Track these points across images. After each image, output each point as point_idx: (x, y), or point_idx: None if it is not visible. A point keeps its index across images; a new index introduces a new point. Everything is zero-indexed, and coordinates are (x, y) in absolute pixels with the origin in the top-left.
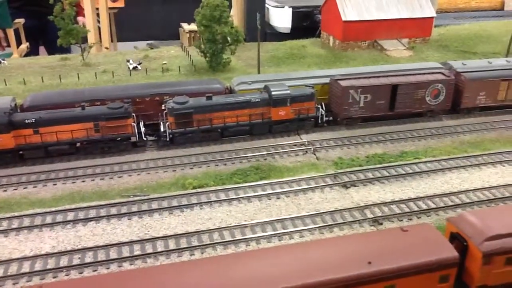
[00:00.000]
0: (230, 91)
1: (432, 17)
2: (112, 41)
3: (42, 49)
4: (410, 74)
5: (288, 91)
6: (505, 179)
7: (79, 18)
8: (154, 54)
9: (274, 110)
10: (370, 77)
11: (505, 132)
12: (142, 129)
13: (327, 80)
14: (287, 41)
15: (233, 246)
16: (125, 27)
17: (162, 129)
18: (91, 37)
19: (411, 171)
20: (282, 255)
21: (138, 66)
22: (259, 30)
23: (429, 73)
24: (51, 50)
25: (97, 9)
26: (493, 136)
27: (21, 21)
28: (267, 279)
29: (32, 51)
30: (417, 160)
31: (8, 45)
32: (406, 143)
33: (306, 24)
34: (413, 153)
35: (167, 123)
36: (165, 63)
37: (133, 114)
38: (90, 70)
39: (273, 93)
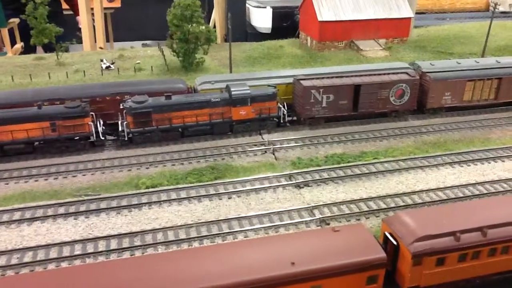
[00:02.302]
0: (194, 90)
1: (410, 18)
2: (108, 41)
3: (39, 48)
4: (374, 74)
5: (249, 91)
6: (461, 179)
7: (78, 18)
8: (129, 54)
9: (234, 109)
10: (333, 77)
11: (468, 133)
12: (100, 128)
13: (291, 80)
14: (266, 41)
15: (175, 246)
16: (122, 27)
17: (120, 129)
18: (86, 37)
19: (367, 171)
20: (205, 255)
21: (111, 66)
22: (230, 30)
23: (393, 73)
24: (49, 51)
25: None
26: (456, 137)
27: (15, 20)
28: (185, 279)
29: (29, 51)
30: (375, 160)
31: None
32: (367, 143)
33: (286, 24)
34: (373, 153)
35: (125, 122)
36: (139, 63)
37: (92, 113)
38: (63, 70)
39: (233, 92)
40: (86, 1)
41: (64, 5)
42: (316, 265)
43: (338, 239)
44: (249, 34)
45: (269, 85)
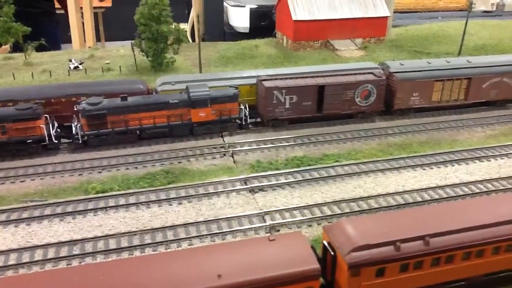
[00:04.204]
0: (155, 92)
1: (386, 17)
2: (100, 40)
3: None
4: (339, 75)
5: (208, 92)
6: (421, 183)
7: None
8: (101, 54)
9: (193, 111)
10: (296, 78)
11: (436, 134)
12: (52, 131)
13: (255, 80)
14: (242, 41)
15: (114, 256)
16: (114, 26)
17: (74, 131)
18: (75, 36)
19: (325, 175)
20: (123, 268)
21: (80, 66)
22: (199, 30)
23: (359, 74)
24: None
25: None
26: (423, 139)
27: None
28: None
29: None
30: (336, 164)
31: None
32: (330, 145)
33: (264, 24)
34: (335, 156)
35: (78, 124)
36: (108, 63)
37: (46, 115)
38: (30, 70)
39: (191, 94)
40: (75, 0)
41: (57, 4)
42: (245, 277)
43: (272, 249)
44: (227, 33)
45: (230, 86)
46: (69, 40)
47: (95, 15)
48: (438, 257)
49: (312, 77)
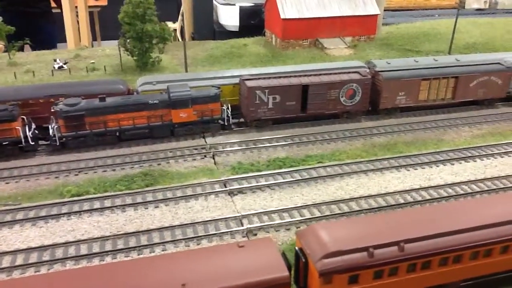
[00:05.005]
0: (137, 92)
1: (376, 15)
2: (96, 39)
3: (27, 47)
4: (324, 74)
5: (189, 92)
6: (405, 184)
7: None
8: (86, 53)
9: (174, 112)
10: (280, 77)
11: (422, 134)
12: (29, 133)
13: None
14: (230, 40)
15: (85, 262)
16: (110, 25)
17: (51, 133)
18: (70, 35)
19: (307, 177)
20: (83, 277)
21: (64, 66)
22: (183, 29)
23: (344, 73)
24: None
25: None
26: (408, 139)
27: None
28: None
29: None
30: (319, 165)
31: None
32: (313, 146)
33: (254, 22)
34: (318, 157)
35: (56, 126)
36: (93, 62)
37: (22, 117)
38: (13, 70)
39: (171, 94)
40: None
41: (53, 4)
42: (210, 286)
43: (241, 256)
44: (217, 32)
45: (213, 86)
46: (66, 40)
47: (91, 14)
48: (414, 263)
49: (296, 76)
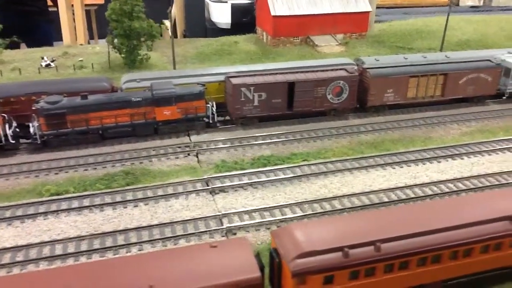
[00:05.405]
0: (121, 89)
1: (368, 12)
2: (93, 38)
3: (23, 45)
4: (310, 71)
5: (173, 90)
6: (390, 183)
7: None
8: (75, 51)
9: (158, 109)
10: (265, 75)
11: (410, 132)
12: (9, 131)
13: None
14: (222, 37)
15: (59, 262)
16: (107, 24)
17: (32, 131)
18: (66, 33)
19: (291, 175)
20: (50, 278)
21: (51, 64)
22: (171, 27)
23: (331, 70)
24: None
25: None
26: (396, 136)
27: None
28: None
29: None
30: (304, 163)
31: None
32: (299, 144)
33: (246, 20)
34: (303, 154)
35: (37, 124)
36: (81, 60)
37: (2, 115)
38: (0, 68)
39: (154, 91)
40: None
41: (49, 2)
42: (178, 287)
43: (213, 256)
44: (209, 29)
45: (198, 83)
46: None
47: (88, 12)
48: (392, 263)
49: (282, 73)
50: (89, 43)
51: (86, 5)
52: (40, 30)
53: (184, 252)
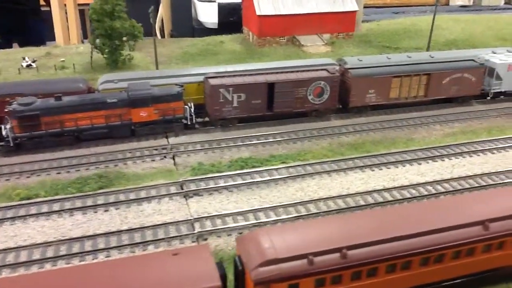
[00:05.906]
0: (98, 90)
1: (355, 11)
2: (86, 37)
3: (15, 45)
4: (291, 72)
5: (150, 91)
6: (368, 185)
7: None
8: (58, 51)
9: (134, 111)
10: (245, 75)
11: (392, 133)
12: None
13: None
14: (207, 37)
15: (22, 269)
16: None
17: (4, 134)
18: (59, 33)
19: (268, 178)
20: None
21: (33, 64)
22: (153, 26)
23: (312, 70)
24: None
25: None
26: (377, 137)
27: None
28: None
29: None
30: (282, 165)
31: None
32: (279, 145)
33: (233, 19)
34: (282, 156)
35: (9, 126)
36: (63, 61)
37: None
38: None
39: (130, 92)
40: None
41: (42, 1)
42: None
43: (173, 264)
44: (196, 29)
45: (176, 84)
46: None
47: (82, 12)
48: (359, 270)
49: (261, 74)
50: (82, 42)
51: (79, 4)
52: (33, 29)
53: (144, 260)
